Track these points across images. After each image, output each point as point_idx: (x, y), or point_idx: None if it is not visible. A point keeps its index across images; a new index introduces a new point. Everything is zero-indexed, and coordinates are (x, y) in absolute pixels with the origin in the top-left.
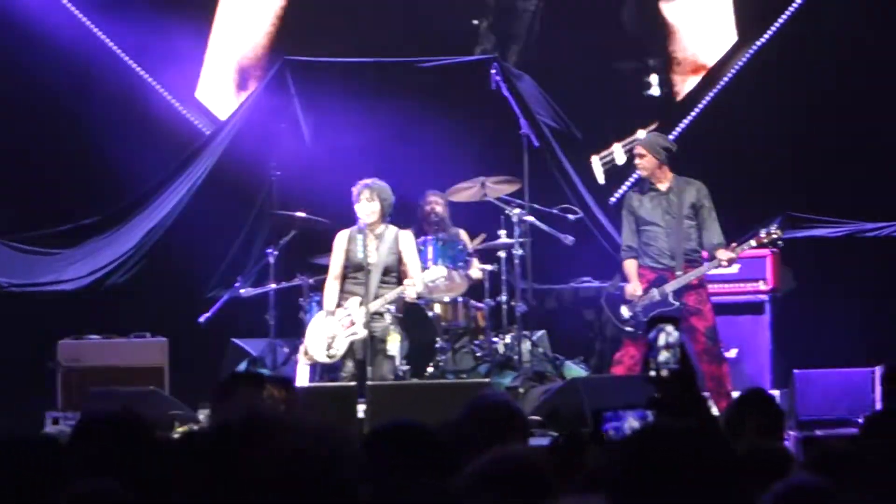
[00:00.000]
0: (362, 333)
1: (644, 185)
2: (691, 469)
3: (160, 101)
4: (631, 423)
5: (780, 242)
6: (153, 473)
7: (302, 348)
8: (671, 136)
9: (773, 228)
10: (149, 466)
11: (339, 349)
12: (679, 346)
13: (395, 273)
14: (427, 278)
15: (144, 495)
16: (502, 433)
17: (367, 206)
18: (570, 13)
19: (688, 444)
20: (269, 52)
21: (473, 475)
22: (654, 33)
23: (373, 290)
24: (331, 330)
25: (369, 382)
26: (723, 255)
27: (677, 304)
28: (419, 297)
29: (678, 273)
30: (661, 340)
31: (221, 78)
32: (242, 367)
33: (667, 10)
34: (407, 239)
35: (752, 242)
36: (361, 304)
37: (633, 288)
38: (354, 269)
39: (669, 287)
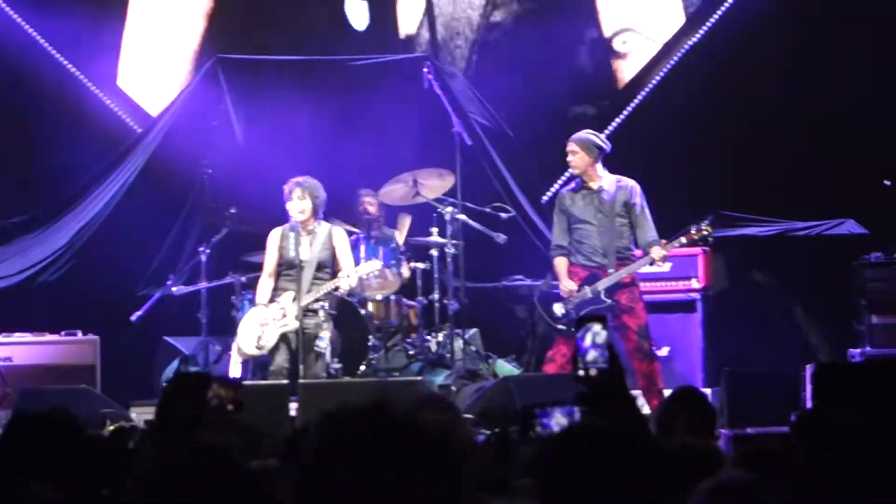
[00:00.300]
0: (294, 326)
1: (576, 184)
2: (617, 466)
3: (87, 94)
4: (558, 419)
5: (710, 239)
6: (85, 472)
7: (234, 345)
8: (605, 133)
9: (703, 225)
10: (80, 465)
11: (269, 341)
12: (608, 345)
13: (328, 269)
14: (361, 271)
15: (76, 494)
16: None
17: (298, 204)
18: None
19: (615, 441)
20: (201, 43)
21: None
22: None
23: (305, 285)
24: (262, 322)
25: (301, 381)
26: (656, 252)
27: (609, 301)
28: (352, 296)
29: (610, 271)
30: (589, 339)
31: (143, 65)
32: (174, 365)
33: None
34: (340, 235)
35: (683, 239)
36: (294, 299)
37: (568, 285)
38: (287, 266)
39: (601, 285)
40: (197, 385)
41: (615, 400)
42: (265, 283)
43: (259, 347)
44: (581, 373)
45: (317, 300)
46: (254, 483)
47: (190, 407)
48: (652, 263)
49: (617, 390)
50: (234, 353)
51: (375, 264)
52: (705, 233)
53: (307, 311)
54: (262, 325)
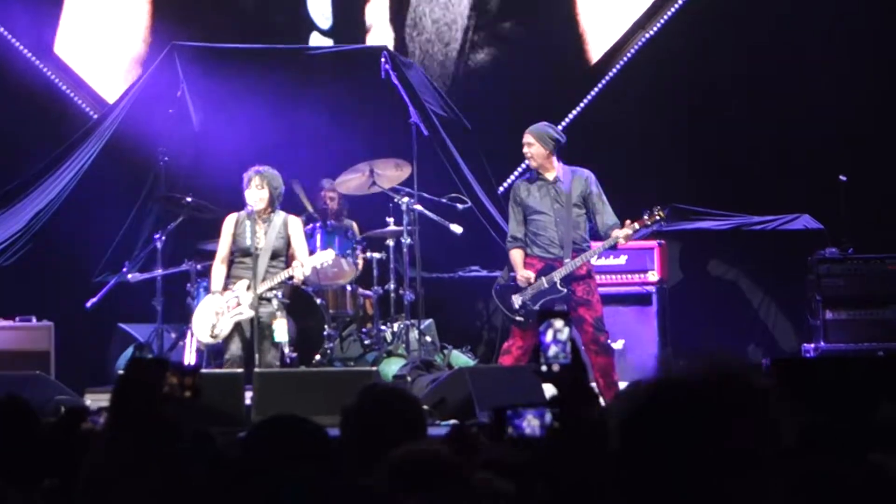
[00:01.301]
0: (248, 314)
1: (532, 175)
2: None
3: (22, 59)
4: (530, 420)
5: (663, 223)
6: (35, 459)
7: (189, 333)
8: (560, 126)
9: (656, 210)
10: (32, 453)
11: (224, 329)
12: (569, 340)
13: (282, 258)
14: (315, 261)
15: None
16: (401, 423)
17: (256, 192)
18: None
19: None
20: (151, 21)
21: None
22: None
23: (260, 273)
24: (216, 310)
25: (256, 369)
26: (619, 232)
27: (565, 290)
28: (308, 285)
29: (566, 261)
30: (551, 335)
31: (82, 34)
32: (129, 352)
33: None
34: (295, 224)
35: (636, 225)
36: (249, 287)
37: (526, 275)
38: (242, 254)
39: (557, 275)
40: (153, 372)
41: (577, 395)
42: (218, 270)
43: (213, 336)
44: (543, 368)
45: (271, 289)
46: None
47: (146, 393)
48: (615, 246)
49: (579, 386)
50: (188, 341)
51: (329, 254)
52: (658, 217)
53: (261, 300)
54: (216, 313)
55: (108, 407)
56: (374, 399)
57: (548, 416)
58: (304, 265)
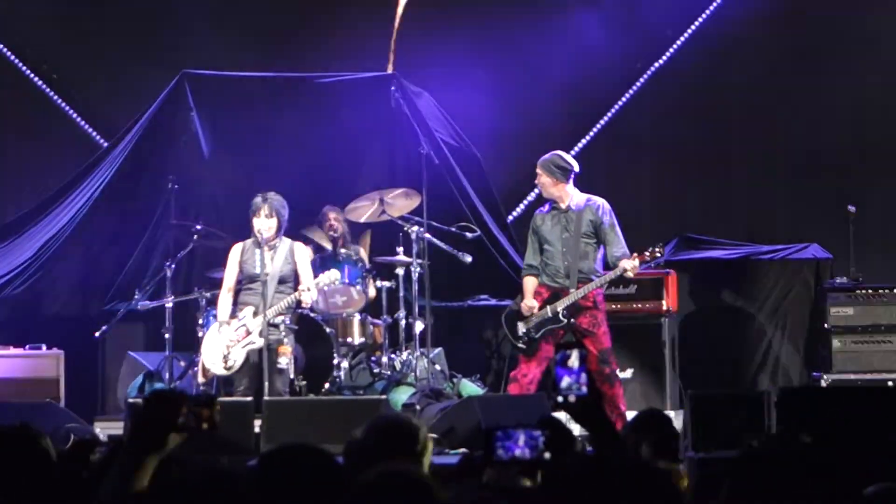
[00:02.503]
0: (259, 343)
1: (549, 205)
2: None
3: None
4: (520, 441)
5: (660, 261)
6: (47, 489)
7: (199, 363)
8: (572, 153)
9: (656, 248)
10: (43, 482)
11: (238, 360)
12: (584, 371)
13: (289, 283)
14: (321, 282)
15: None
16: (403, 452)
17: (265, 221)
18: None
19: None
20: None
21: (361, 490)
22: None
23: (269, 299)
24: (226, 341)
25: (266, 398)
26: (627, 263)
27: (566, 321)
28: (317, 313)
29: (571, 291)
30: (565, 365)
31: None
32: (139, 380)
33: None
34: (301, 251)
35: (647, 256)
36: (256, 313)
37: (529, 303)
38: (249, 281)
39: (560, 304)
40: (171, 404)
41: (595, 425)
42: (225, 299)
43: (227, 368)
44: (560, 399)
45: (278, 314)
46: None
47: (163, 426)
48: (623, 274)
49: (596, 415)
50: (198, 369)
51: (334, 274)
52: (658, 254)
53: (269, 326)
54: (227, 345)
55: (121, 437)
56: (378, 432)
57: (541, 440)
58: (311, 289)
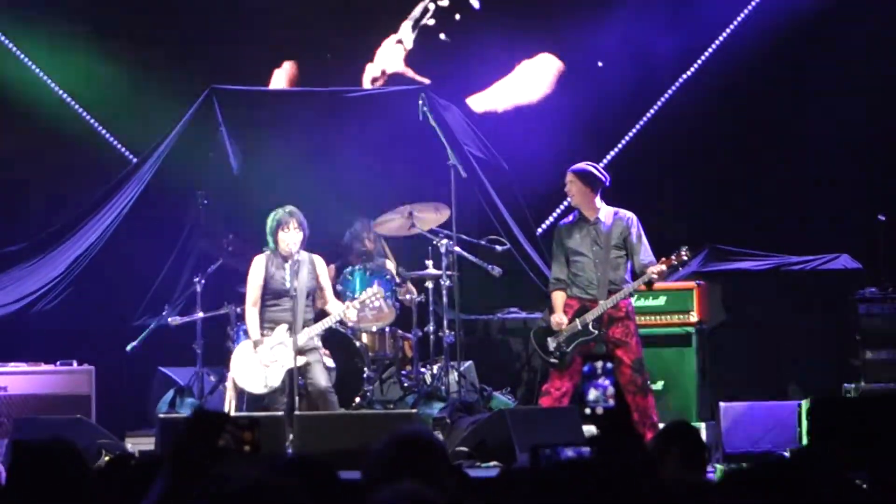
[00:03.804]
0: (299, 361)
1: (573, 216)
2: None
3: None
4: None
5: (686, 261)
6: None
7: (230, 380)
8: (602, 164)
9: (682, 251)
10: (82, 496)
11: (277, 380)
12: (612, 383)
13: (313, 297)
14: (365, 298)
15: None
16: (423, 466)
17: (295, 235)
18: None
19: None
20: None
21: None
22: None
23: (300, 316)
24: (264, 360)
25: (297, 412)
26: (654, 268)
27: (596, 332)
28: (347, 327)
29: (601, 302)
30: (593, 378)
31: None
32: (170, 395)
33: None
34: (321, 263)
35: (674, 259)
36: (289, 329)
37: (558, 318)
38: (276, 296)
39: (590, 316)
40: (213, 426)
41: (623, 437)
42: (253, 315)
43: (267, 387)
44: (588, 411)
45: (317, 333)
46: None
47: (205, 449)
48: (650, 284)
49: (624, 427)
50: (229, 384)
51: (377, 289)
52: (685, 258)
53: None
54: (265, 365)
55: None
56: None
57: (587, 455)
58: (355, 305)
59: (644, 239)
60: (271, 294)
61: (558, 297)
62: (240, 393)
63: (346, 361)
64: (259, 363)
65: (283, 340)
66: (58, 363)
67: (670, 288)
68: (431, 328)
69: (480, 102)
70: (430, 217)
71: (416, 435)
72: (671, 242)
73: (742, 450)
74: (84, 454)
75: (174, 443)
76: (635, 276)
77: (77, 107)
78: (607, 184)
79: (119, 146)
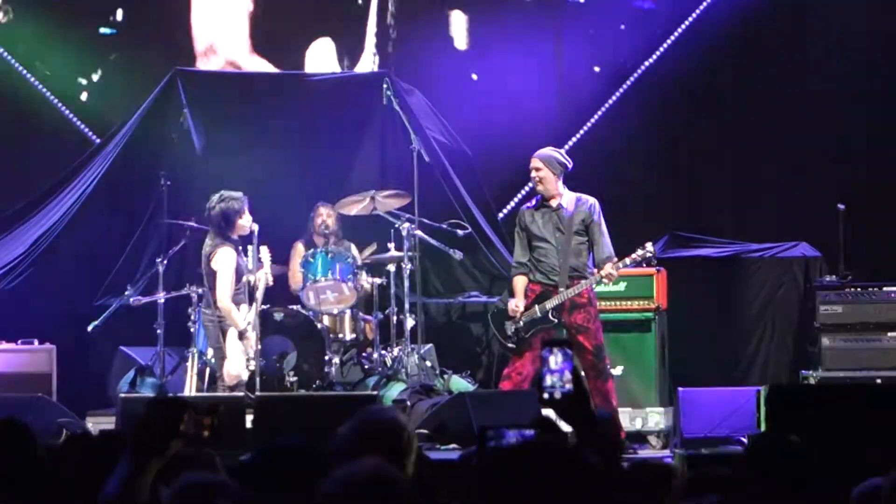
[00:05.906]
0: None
1: (536, 201)
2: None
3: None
4: (510, 440)
5: (653, 261)
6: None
7: (189, 357)
8: (564, 149)
9: (647, 247)
10: (33, 474)
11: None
12: (571, 368)
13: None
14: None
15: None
16: (388, 448)
17: (247, 217)
18: None
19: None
20: None
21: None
22: None
23: (260, 296)
24: (246, 347)
25: (258, 393)
26: (605, 270)
27: (556, 320)
28: (308, 309)
29: (561, 290)
30: (551, 363)
31: None
32: (130, 375)
33: None
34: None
35: (627, 260)
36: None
37: (515, 304)
38: (237, 281)
39: (549, 304)
40: (173, 411)
41: (581, 421)
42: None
43: (249, 368)
44: (546, 396)
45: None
46: None
47: (166, 433)
48: (600, 282)
49: (582, 412)
50: (189, 364)
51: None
52: (649, 254)
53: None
54: (245, 354)
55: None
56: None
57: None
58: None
59: (604, 228)
60: (238, 280)
61: (519, 282)
62: (199, 373)
63: (306, 343)
64: (244, 351)
65: (249, 320)
66: (19, 342)
67: (631, 274)
68: (393, 311)
69: None
70: (392, 202)
71: (381, 416)
72: (631, 229)
73: (700, 435)
74: (39, 433)
75: (135, 427)
76: (594, 264)
77: (40, 86)
78: (570, 169)
79: (82, 127)
